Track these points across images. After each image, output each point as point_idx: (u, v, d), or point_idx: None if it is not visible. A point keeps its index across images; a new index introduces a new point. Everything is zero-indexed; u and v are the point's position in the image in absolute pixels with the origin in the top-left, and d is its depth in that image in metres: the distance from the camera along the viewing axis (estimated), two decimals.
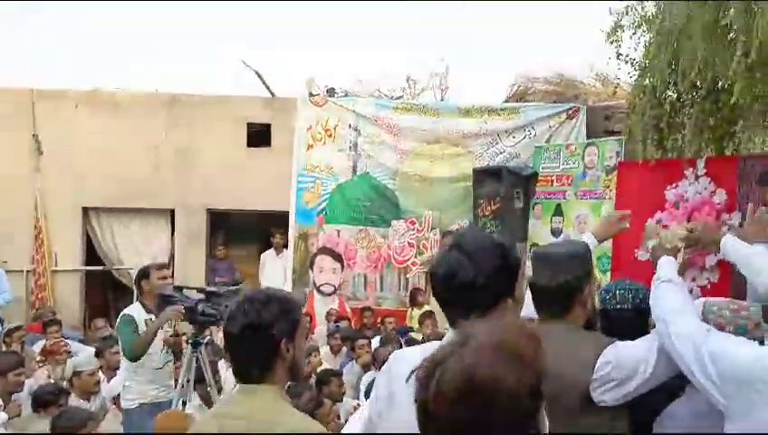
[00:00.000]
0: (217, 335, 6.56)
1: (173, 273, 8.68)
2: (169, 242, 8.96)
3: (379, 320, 7.99)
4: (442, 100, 10.82)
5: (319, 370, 6.00)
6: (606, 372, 2.05)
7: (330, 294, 8.56)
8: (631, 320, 2.33)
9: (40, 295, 8.56)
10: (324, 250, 8.59)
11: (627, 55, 6.11)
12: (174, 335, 4.99)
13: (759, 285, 2.62)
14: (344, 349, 6.93)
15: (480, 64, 15.84)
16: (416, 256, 8.48)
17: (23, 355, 5.93)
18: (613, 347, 2.09)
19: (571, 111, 8.41)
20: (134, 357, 4.67)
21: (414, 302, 8.08)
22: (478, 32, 16.53)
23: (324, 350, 6.92)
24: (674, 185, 6.10)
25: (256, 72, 9.14)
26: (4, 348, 6.24)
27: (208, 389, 4.96)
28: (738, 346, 1.90)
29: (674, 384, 2.11)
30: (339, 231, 8.61)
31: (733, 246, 2.88)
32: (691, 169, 5.96)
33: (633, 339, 2.19)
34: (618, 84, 7.42)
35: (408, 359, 1.68)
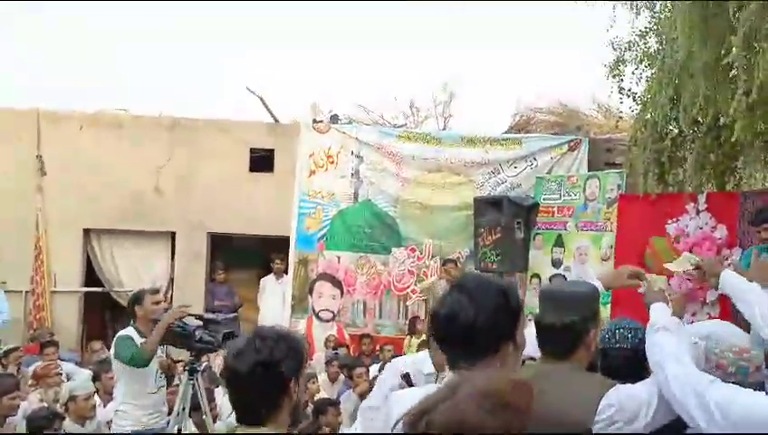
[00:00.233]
0: (214, 362, 6.52)
1: (172, 296, 8.68)
2: (170, 265, 8.95)
3: (377, 347, 7.94)
4: (445, 127, 10.90)
5: (316, 398, 5.96)
6: (608, 414, 2.04)
7: (328, 321, 8.53)
8: (630, 360, 2.32)
9: (38, 316, 8.52)
10: (324, 276, 8.58)
11: (629, 90, 6.18)
12: (171, 361, 4.95)
13: (752, 319, 2.68)
14: (342, 377, 6.89)
15: (484, 93, 15.96)
16: (416, 284, 8.46)
17: (18, 377, 5.90)
18: (615, 390, 2.09)
19: (572, 143, 8.45)
20: (144, 361, 4.58)
21: (413, 330, 8.04)
22: (482, 60, 16.67)
23: (322, 377, 6.88)
24: (675, 219, 6.12)
25: (260, 98, 9.22)
26: (0, 369, 6.18)
27: (204, 416, 4.91)
28: (745, 393, 1.90)
29: (675, 425, 2.09)
30: (339, 257, 8.60)
31: (731, 281, 2.94)
32: (692, 204, 5.98)
33: (632, 378, 2.20)
34: (620, 117, 7.48)
35: (405, 403, 1.67)
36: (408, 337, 8.06)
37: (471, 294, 1.77)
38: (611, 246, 6.84)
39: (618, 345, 2.41)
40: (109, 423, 5.28)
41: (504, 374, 1.23)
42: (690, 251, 5.97)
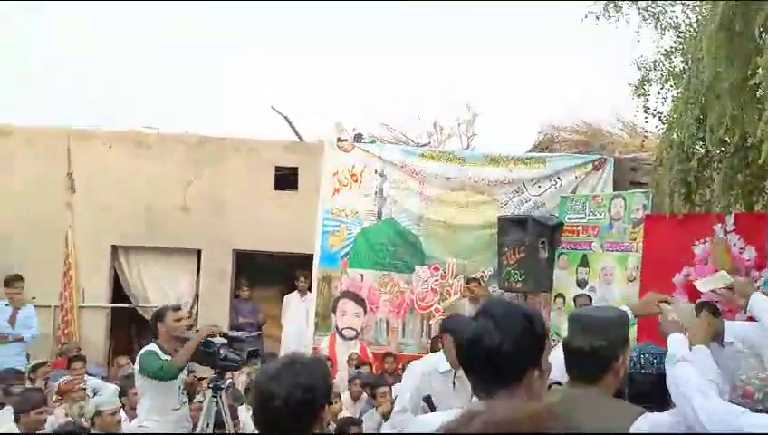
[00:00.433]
0: (238, 380, 6.56)
1: (197, 312, 8.76)
2: (195, 281, 9.04)
3: (400, 366, 7.91)
4: (468, 146, 10.90)
5: (339, 416, 5.95)
6: None
7: (352, 339, 8.53)
8: (655, 386, 2.30)
9: (66, 331, 8.65)
10: (347, 294, 8.60)
11: (654, 109, 6.15)
12: (195, 378, 4.99)
13: None
14: (364, 395, 6.87)
15: (507, 112, 15.95)
16: (439, 303, 8.44)
17: (46, 392, 5.99)
18: (644, 418, 2.08)
19: (597, 163, 8.40)
20: (173, 374, 4.64)
21: (435, 349, 7.99)
22: (506, 79, 16.68)
23: (344, 396, 6.87)
24: (702, 240, 6.05)
25: (285, 118, 9.32)
26: (28, 384, 6.28)
27: (227, 433, 4.95)
28: None
29: None
30: (362, 275, 8.62)
31: (759, 304, 2.89)
32: (720, 225, 5.91)
33: (657, 404, 2.18)
34: (645, 136, 7.44)
35: (428, 426, 1.68)
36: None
37: (497, 320, 1.77)
38: (637, 267, 6.77)
39: (643, 371, 2.40)
40: None
41: (521, 404, 1.23)
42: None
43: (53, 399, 5.91)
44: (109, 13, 15.76)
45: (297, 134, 9.44)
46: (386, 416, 6.04)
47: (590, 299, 7.12)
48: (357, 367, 7.79)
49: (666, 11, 6.22)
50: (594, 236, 7.44)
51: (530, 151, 9.44)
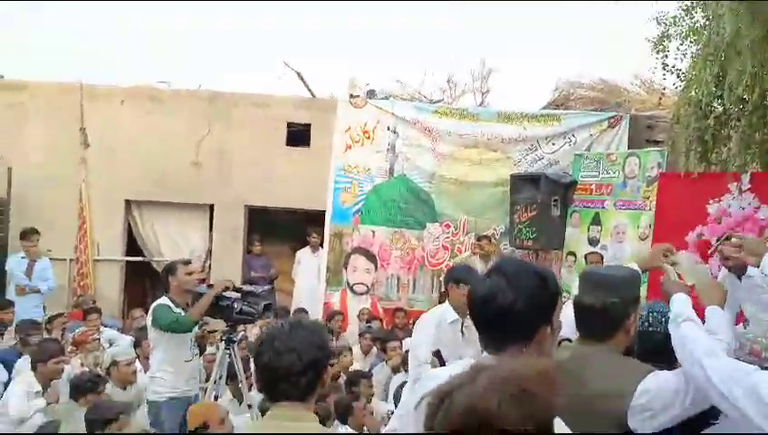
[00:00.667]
0: (251, 332, 6.65)
1: (210, 267, 8.86)
2: (208, 237, 9.11)
3: (410, 321, 8.00)
4: (482, 103, 10.78)
5: (349, 370, 6.04)
6: (645, 401, 2.04)
7: (363, 294, 8.62)
8: (663, 343, 2.29)
9: (82, 284, 8.78)
10: (359, 250, 8.65)
11: (673, 66, 6.03)
12: (206, 332, 5.07)
13: None
14: (375, 349, 6.97)
15: (523, 67, 15.71)
16: (450, 260, 8.46)
17: (63, 343, 6.11)
18: (653, 376, 2.09)
19: (613, 120, 8.29)
20: (188, 327, 4.73)
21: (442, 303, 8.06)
22: (522, 35, 16.38)
23: (355, 349, 6.97)
24: (716, 199, 5.99)
25: (297, 73, 9.24)
26: (45, 334, 6.41)
27: (240, 385, 5.05)
28: None
29: (706, 413, 2.08)
30: (374, 232, 8.65)
31: None
32: (735, 184, 5.85)
33: (663, 361, 2.18)
34: (663, 93, 7.31)
35: (439, 380, 1.70)
36: None
37: (510, 277, 1.77)
38: (650, 226, 6.73)
39: (651, 329, 2.39)
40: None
41: (529, 361, 1.23)
42: (732, 231, 5.85)
43: (69, 350, 6.03)
44: None
45: (309, 90, 9.36)
46: (395, 369, 6.13)
47: (602, 257, 7.12)
48: (368, 322, 7.89)
49: None
50: (607, 194, 7.39)
51: (545, 108, 9.33)
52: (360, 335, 7.30)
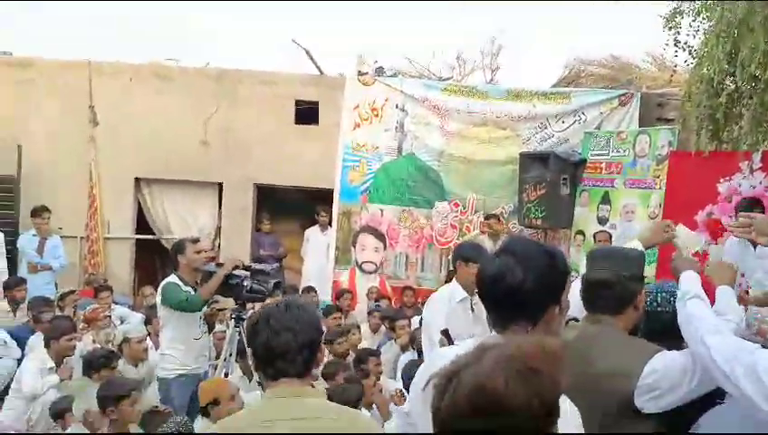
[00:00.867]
0: None
1: (219, 245, 8.90)
2: (217, 215, 9.15)
3: (419, 300, 8.03)
4: (492, 80, 10.70)
5: (358, 348, 6.08)
6: (652, 380, 2.05)
7: (371, 273, 8.65)
8: (670, 323, 2.30)
9: (93, 262, 8.85)
10: (367, 229, 8.66)
11: (685, 43, 5.96)
12: (215, 310, 5.11)
13: None
14: (383, 328, 7.00)
15: (533, 45, 15.53)
16: (458, 238, 8.46)
17: (75, 320, 6.19)
18: (661, 356, 2.09)
19: (623, 98, 8.22)
20: (198, 306, 4.78)
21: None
22: (533, 11, 16.18)
23: (364, 328, 7.00)
24: (727, 178, 5.96)
25: (306, 51, 9.18)
26: (57, 312, 6.48)
27: (250, 362, 5.10)
28: None
29: (712, 394, 2.09)
30: (382, 210, 8.65)
31: None
32: (746, 163, 5.81)
33: (671, 341, 2.18)
34: (675, 70, 7.23)
35: (446, 359, 1.71)
36: None
37: (519, 257, 1.77)
38: (660, 205, 6.71)
39: (660, 309, 2.40)
40: None
41: (534, 339, 1.23)
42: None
43: (80, 327, 6.09)
44: None
45: (318, 68, 9.31)
46: (404, 348, 6.17)
47: (610, 236, 7.10)
48: (376, 300, 7.92)
49: None
50: (617, 173, 7.35)
51: (555, 86, 9.25)
52: (369, 314, 7.33)
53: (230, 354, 4.90)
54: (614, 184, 7.37)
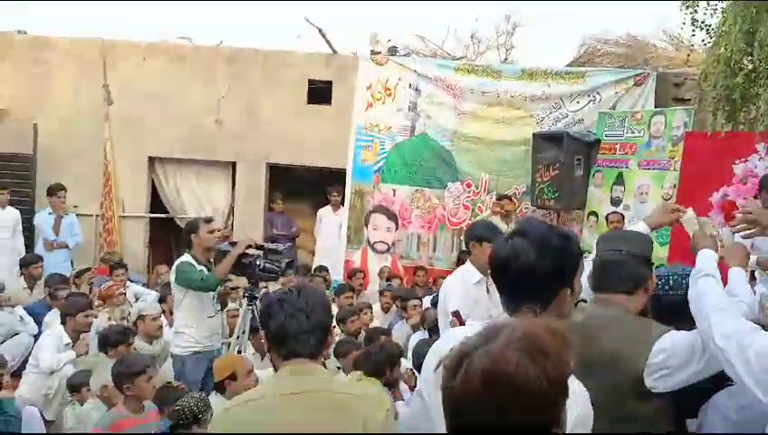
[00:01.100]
0: (276, 288, 6.74)
1: (233, 224, 8.95)
2: (230, 194, 9.19)
3: (431, 280, 8.05)
4: (506, 59, 10.62)
5: (369, 327, 6.12)
6: (661, 359, 2.05)
7: (383, 253, 8.68)
8: (683, 306, 2.30)
9: (108, 240, 8.94)
10: (379, 209, 8.68)
11: (702, 22, 5.88)
12: (228, 288, 5.15)
13: None
14: (394, 307, 7.03)
15: (549, 23, 15.37)
16: (470, 219, 8.45)
17: (91, 296, 6.27)
18: (670, 335, 2.09)
19: (639, 78, 8.12)
20: (213, 285, 4.85)
21: (461, 264, 8.07)
22: None
23: (375, 307, 7.04)
24: (743, 159, 5.90)
25: (319, 30, 9.14)
26: (73, 289, 6.57)
27: (262, 340, 5.15)
28: None
29: (723, 375, 2.09)
30: (394, 190, 8.66)
31: None
32: (763, 144, 5.75)
33: (682, 323, 2.18)
34: (692, 50, 7.14)
35: (456, 341, 1.72)
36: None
37: (533, 239, 1.77)
38: (674, 186, 6.66)
39: (671, 292, 2.40)
40: None
41: (542, 321, 1.25)
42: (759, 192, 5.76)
43: (96, 304, 6.17)
44: None
45: (331, 47, 9.27)
46: (415, 327, 6.20)
47: (623, 217, 7.07)
48: (388, 280, 7.95)
49: None
50: (632, 154, 7.30)
51: (570, 65, 9.16)
52: (380, 293, 7.36)
53: (243, 332, 4.96)
54: (628, 165, 7.32)
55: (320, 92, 8.81)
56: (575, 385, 1.62)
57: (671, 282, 2.41)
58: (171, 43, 9.24)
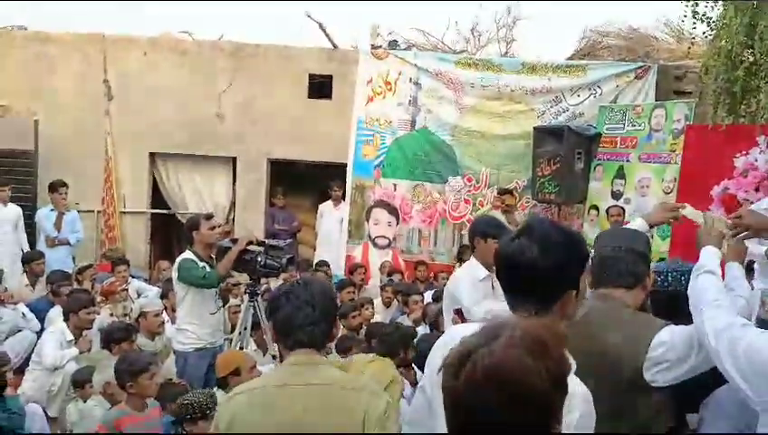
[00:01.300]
0: (274, 285, 6.76)
1: (234, 220, 8.96)
2: (231, 189, 9.19)
3: (432, 275, 8.06)
4: (507, 53, 10.58)
5: (371, 322, 6.13)
6: (660, 352, 2.06)
7: (384, 247, 8.68)
8: (681, 301, 2.30)
9: (109, 236, 8.95)
10: (380, 203, 8.68)
11: (703, 14, 5.87)
12: (230, 285, 5.16)
13: None
14: (396, 302, 7.04)
15: (549, 16, 15.32)
16: (471, 213, 8.46)
17: (93, 293, 6.28)
18: (669, 329, 2.10)
19: (640, 71, 8.10)
20: (216, 282, 4.87)
21: (461, 259, 8.08)
22: None
23: (377, 302, 7.05)
24: (744, 152, 5.90)
25: (319, 25, 9.12)
26: (75, 285, 6.58)
27: (264, 336, 5.18)
28: None
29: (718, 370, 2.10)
30: (395, 185, 8.66)
31: None
32: (764, 137, 5.75)
33: (683, 320, 2.19)
34: (693, 42, 7.13)
35: (454, 339, 1.72)
36: (458, 265, 8.12)
37: (539, 239, 1.76)
38: (675, 179, 6.66)
39: (670, 288, 2.40)
40: None
41: (540, 320, 1.26)
42: (758, 186, 5.77)
43: (98, 300, 6.18)
44: None
45: (331, 41, 9.25)
46: (417, 322, 6.21)
47: (623, 210, 7.07)
48: (389, 275, 7.95)
49: None
50: (632, 147, 7.29)
51: (571, 58, 9.14)
52: (382, 288, 7.37)
53: (245, 328, 4.98)
54: (629, 158, 7.32)
55: (320, 87, 8.80)
56: (575, 385, 1.63)
57: (670, 278, 2.42)
58: (172, 39, 9.22)
